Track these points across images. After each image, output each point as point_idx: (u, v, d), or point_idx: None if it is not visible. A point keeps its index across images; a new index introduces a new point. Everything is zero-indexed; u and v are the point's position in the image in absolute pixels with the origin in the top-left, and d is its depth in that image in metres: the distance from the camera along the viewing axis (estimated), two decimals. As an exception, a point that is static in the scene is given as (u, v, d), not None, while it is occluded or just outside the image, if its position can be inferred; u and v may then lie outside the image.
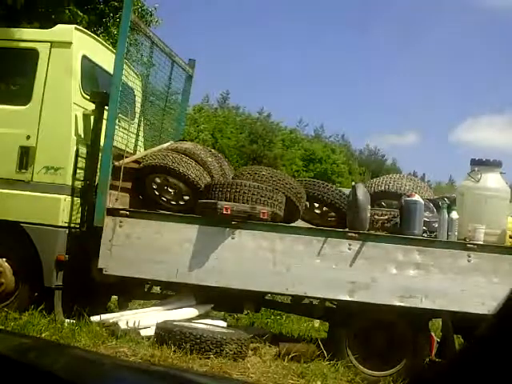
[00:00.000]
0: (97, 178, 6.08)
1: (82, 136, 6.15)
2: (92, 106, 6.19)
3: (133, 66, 7.14)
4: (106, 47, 7.18)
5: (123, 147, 6.29)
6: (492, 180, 6.01)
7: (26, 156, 6.05)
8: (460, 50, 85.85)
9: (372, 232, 5.84)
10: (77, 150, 6.07)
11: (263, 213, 5.75)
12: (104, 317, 5.77)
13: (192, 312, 6.05)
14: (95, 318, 5.65)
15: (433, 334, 5.94)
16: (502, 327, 1.27)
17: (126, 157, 6.27)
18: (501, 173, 6.08)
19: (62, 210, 5.98)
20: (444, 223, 5.75)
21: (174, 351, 5.05)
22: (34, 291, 5.95)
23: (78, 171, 6.10)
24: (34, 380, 0.84)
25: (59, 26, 6.61)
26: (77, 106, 6.14)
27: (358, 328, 5.77)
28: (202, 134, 26.11)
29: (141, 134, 7.34)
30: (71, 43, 6.19)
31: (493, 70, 77.82)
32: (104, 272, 5.84)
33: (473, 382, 1.26)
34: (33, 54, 6.18)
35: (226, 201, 5.80)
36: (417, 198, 5.83)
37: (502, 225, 5.89)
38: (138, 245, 5.88)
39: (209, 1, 71.66)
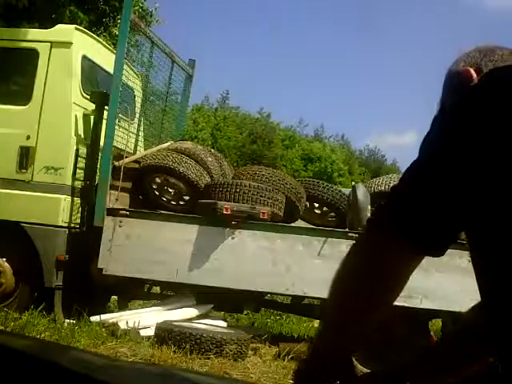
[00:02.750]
0: (97, 177, 6.09)
1: (82, 136, 6.15)
2: (92, 106, 6.19)
3: (133, 66, 7.14)
4: (106, 47, 7.18)
5: (123, 147, 6.30)
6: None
7: (26, 156, 6.04)
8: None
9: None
10: (77, 150, 6.07)
11: (263, 213, 5.75)
12: (104, 317, 5.77)
13: (192, 312, 6.05)
14: (95, 318, 5.65)
15: (433, 334, 5.93)
16: None
17: (126, 157, 6.27)
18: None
19: (62, 209, 5.98)
20: (444, 223, 5.74)
21: (174, 351, 5.04)
22: (34, 291, 5.95)
23: (78, 171, 6.10)
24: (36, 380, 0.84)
25: (59, 26, 6.61)
26: (77, 106, 6.13)
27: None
28: (201, 133, 26.10)
29: (141, 134, 7.34)
30: (71, 43, 6.18)
31: (493, 70, 77.78)
32: (104, 272, 5.84)
33: None
34: (33, 54, 6.17)
35: (225, 201, 5.79)
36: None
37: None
38: (137, 245, 5.88)
39: (209, 0, 71.70)
